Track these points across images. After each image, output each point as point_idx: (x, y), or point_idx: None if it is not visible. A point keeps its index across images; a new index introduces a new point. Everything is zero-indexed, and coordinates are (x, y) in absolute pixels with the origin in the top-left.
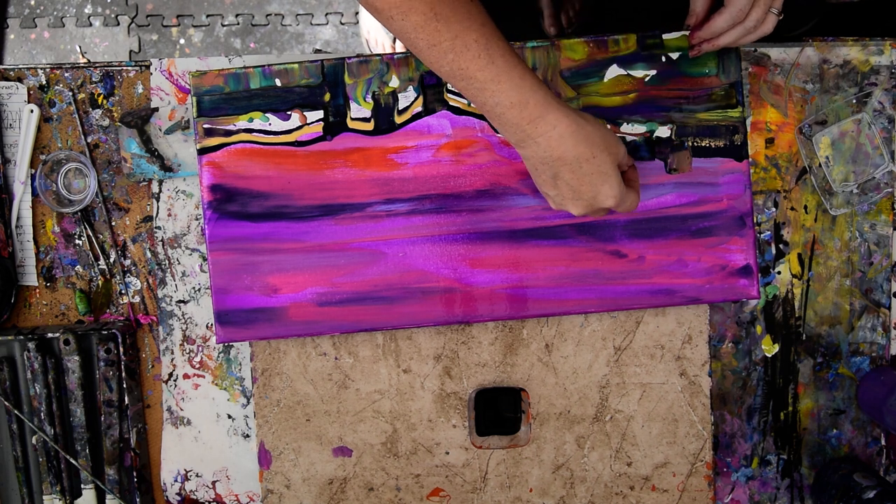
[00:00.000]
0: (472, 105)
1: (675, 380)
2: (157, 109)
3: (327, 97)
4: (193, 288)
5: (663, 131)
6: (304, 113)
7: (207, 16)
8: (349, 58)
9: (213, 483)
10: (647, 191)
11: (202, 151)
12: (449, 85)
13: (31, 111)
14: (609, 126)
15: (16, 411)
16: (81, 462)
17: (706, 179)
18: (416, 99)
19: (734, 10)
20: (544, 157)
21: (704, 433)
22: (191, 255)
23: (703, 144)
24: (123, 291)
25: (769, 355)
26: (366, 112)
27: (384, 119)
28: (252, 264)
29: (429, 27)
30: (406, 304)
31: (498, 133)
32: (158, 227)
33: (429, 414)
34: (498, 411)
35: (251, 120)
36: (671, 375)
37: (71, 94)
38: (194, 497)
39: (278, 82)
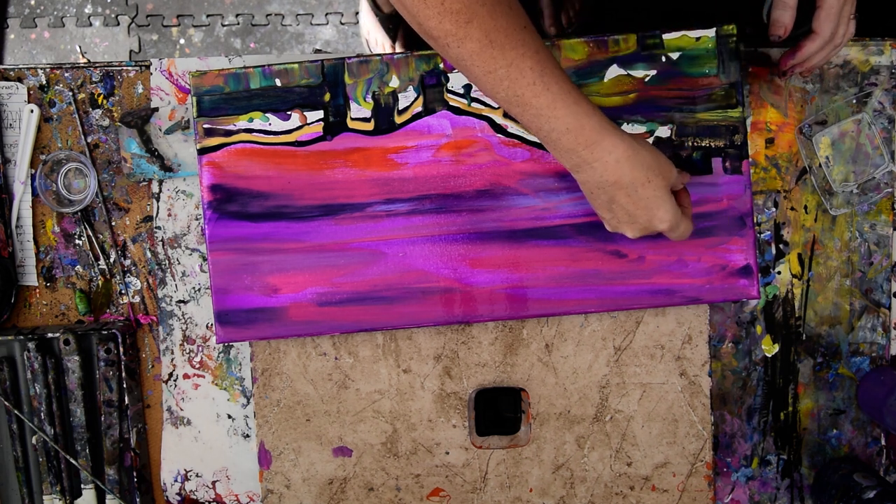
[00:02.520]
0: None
1: (675, 380)
2: (157, 109)
3: (327, 97)
4: (193, 288)
5: (663, 131)
6: (304, 113)
7: (207, 16)
8: (349, 58)
9: (213, 483)
10: None
11: (202, 151)
12: (449, 85)
13: (31, 111)
14: None
15: (16, 411)
16: (81, 462)
17: (706, 179)
18: (416, 99)
19: (826, 35)
20: (600, 182)
21: (704, 433)
22: (191, 255)
23: (703, 144)
24: (123, 291)
25: (769, 355)
26: (366, 112)
27: (384, 119)
28: (252, 264)
29: (484, 54)
30: (406, 304)
31: (498, 133)
32: (158, 227)
33: (429, 414)
34: (498, 411)
35: (251, 120)
36: (671, 375)
37: (71, 94)
38: (194, 497)
39: (278, 82)
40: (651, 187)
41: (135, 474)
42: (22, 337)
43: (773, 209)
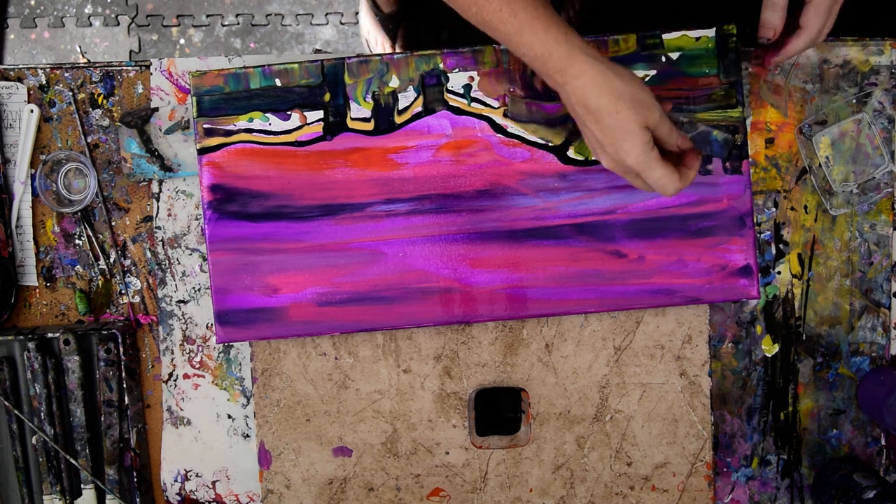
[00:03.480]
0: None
1: (675, 380)
2: (157, 109)
3: (327, 97)
4: (193, 288)
5: None
6: (304, 113)
7: (207, 16)
8: (349, 58)
9: (213, 483)
10: None
11: (202, 151)
12: (449, 84)
13: (31, 111)
14: None
15: (16, 411)
16: (81, 462)
17: (706, 179)
18: (416, 99)
19: (814, 33)
20: (572, 104)
21: (704, 433)
22: (191, 255)
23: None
24: (123, 291)
25: (769, 355)
26: (366, 112)
27: (384, 119)
28: (252, 264)
29: None
30: (406, 304)
31: (498, 133)
32: (158, 227)
33: (429, 414)
34: (498, 411)
35: (251, 120)
36: (671, 375)
37: (71, 94)
38: (194, 497)
39: (278, 82)
40: (618, 117)
41: (135, 474)
42: (22, 337)
43: (773, 209)
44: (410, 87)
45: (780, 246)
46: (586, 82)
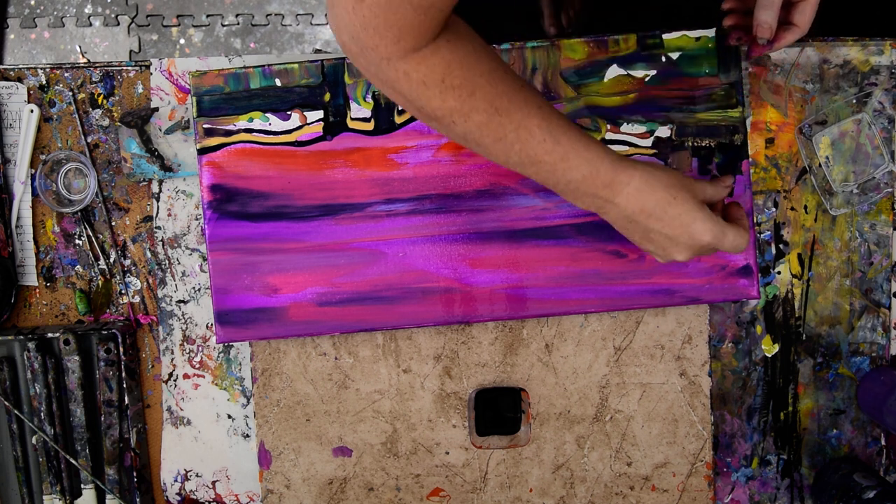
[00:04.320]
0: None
1: (675, 380)
2: (157, 109)
3: (327, 97)
4: (193, 288)
5: (663, 131)
6: (304, 113)
7: (207, 16)
8: None
9: (213, 483)
10: None
11: (202, 151)
12: None
13: (31, 111)
14: (609, 127)
15: (16, 411)
16: (81, 462)
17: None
18: None
19: (805, 29)
20: (629, 216)
21: (704, 433)
22: (191, 255)
23: (703, 144)
24: (123, 291)
25: (769, 355)
26: (366, 112)
27: (384, 119)
28: (252, 264)
29: (492, 123)
30: (406, 304)
31: None
32: (158, 227)
33: (429, 414)
34: (498, 411)
35: (251, 120)
36: (671, 375)
37: (71, 94)
38: (194, 497)
39: (278, 82)
40: (677, 204)
41: (135, 474)
42: (22, 337)
43: (773, 209)
44: None
45: (780, 246)
46: (638, 185)
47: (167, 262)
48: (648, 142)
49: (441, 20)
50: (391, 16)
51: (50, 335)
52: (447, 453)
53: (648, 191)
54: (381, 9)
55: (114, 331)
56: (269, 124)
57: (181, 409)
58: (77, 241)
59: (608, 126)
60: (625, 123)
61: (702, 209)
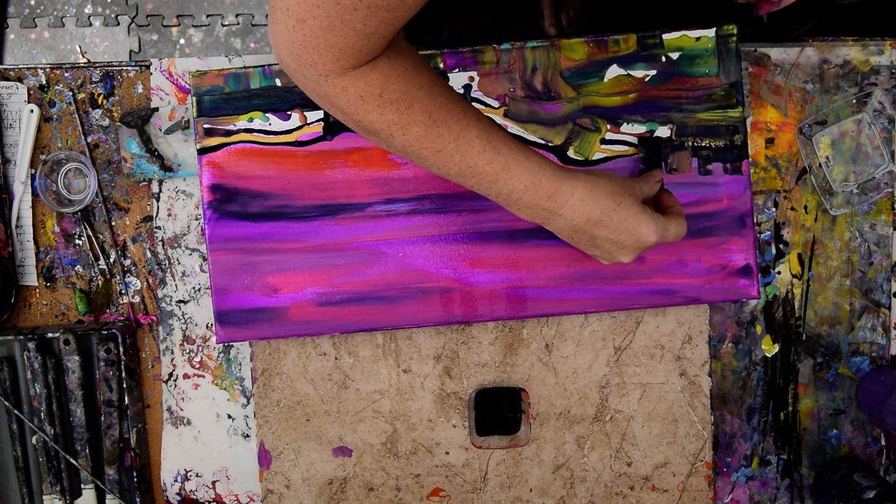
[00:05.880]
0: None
1: (675, 380)
2: (157, 109)
3: None
4: (193, 288)
5: (663, 131)
6: (305, 113)
7: (207, 16)
8: None
9: (213, 483)
10: None
11: (202, 151)
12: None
13: (31, 111)
14: (609, 127)
15: (16, 411)
16: (81, 462)
17: (706, 179)
18: None
19: None
20: (574, 226)
21: (704, 433)
22: (191, 255)
23: (703, 144)
24: (123, 291)
25: (769, 355)
26: None
27: None
28: (252, 264)
29: (431, 135)
30: (406, 304)
31: None
32: (158, 227)
33: (429, 414)
34: (498, 411)
35: (251, 120)
36: (671, 375)
37: (71, 94)
38: (194, 497)
39: (278, 82)
40: (622, 210)
41: (135, 474)
42: (22, 337)
43: (773, 209)
44: None
45: (780, 246)
46: (582, 196)
47: (167, 262)
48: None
49: (383, 45)
50: (332, 38)
51: (50, 335)
52: (447, 453)
53: (592, 200)
54: (323, 31)
55: (114, 331)
56: (270, 124)
57: (181, 409)
58: (77, 241)
59: (608, 126)
60: (625, 123)
61: (644, 211)
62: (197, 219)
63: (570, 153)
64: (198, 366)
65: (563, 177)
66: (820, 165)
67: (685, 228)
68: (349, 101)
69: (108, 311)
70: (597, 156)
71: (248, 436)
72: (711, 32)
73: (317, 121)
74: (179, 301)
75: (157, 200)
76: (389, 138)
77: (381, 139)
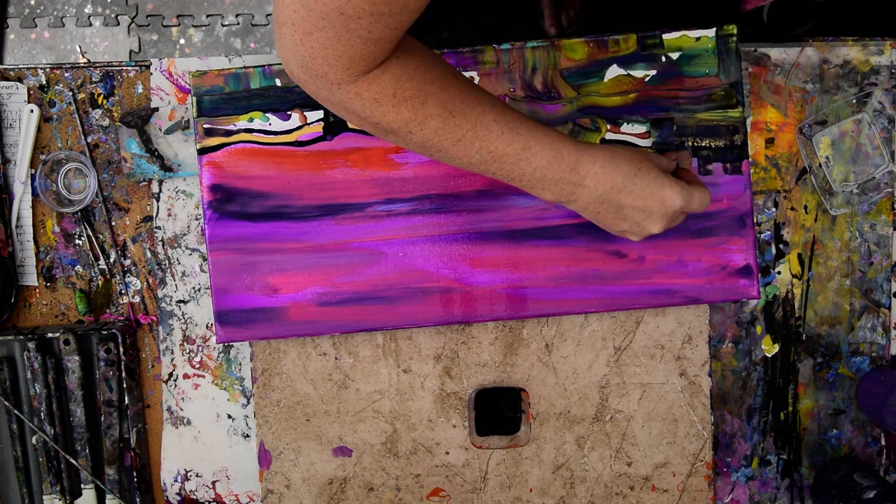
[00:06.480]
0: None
1: (675, 380)
2: (157, 109)
3: None
4: (193, 288)
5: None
6: (305, 113)
7: (207, 16)
8: None
9: (213, 483)
10: None
11: (202, 151)
12: None
13: (31, 111)
14: (609, 126)
15: (16, 411)
16: (81, 462)
17: (706, 179)
18: None
19: None
20: (599, 196)
21: (704, 433)
22: (191, 255)
23: (703, 144)
24: (123, 291)
25: (769, 355)
26: None
27: None
28: (252, 264)
29: (448, 126)
30: (406, 304)
31: None
32: (158, 227)
33: (429, 414)
34: (498, 411)
35: (251, 120)
36: (671, 375)
37: (71, 94)
38: (194, 497)
39: (278, 82)
40: (644, 174)
41: (135, 474)
42: (22, 337)
43: (773, 209)
44: None
45: (780, 246)
46: (603, 164)
47: (167, 262)
48: (648, 142)
49: (390, 49)
50: (340, 47)
51: (50, 335)
52: (447, 453)
53: (613, 167)
54: (331, 41)
55: (114, 331)
56: (270, 124)
57: (181, 409)
58: (77, 241)
59: (608, 126)
60: (625, 123)
61: (665, 175)
62: (197, 219)
63: None
64: (198, 366)
65: (582, 148)
66: (820, 165)
67: (709, 198)
68: (364, 105)
69: (108, 311)
70: None
71: (248, 436)
72: (711, 32)
73: (317, 121)
74: (179, 301)
75: (157, 200)
76: (408, 135)
77: (400, 137)
